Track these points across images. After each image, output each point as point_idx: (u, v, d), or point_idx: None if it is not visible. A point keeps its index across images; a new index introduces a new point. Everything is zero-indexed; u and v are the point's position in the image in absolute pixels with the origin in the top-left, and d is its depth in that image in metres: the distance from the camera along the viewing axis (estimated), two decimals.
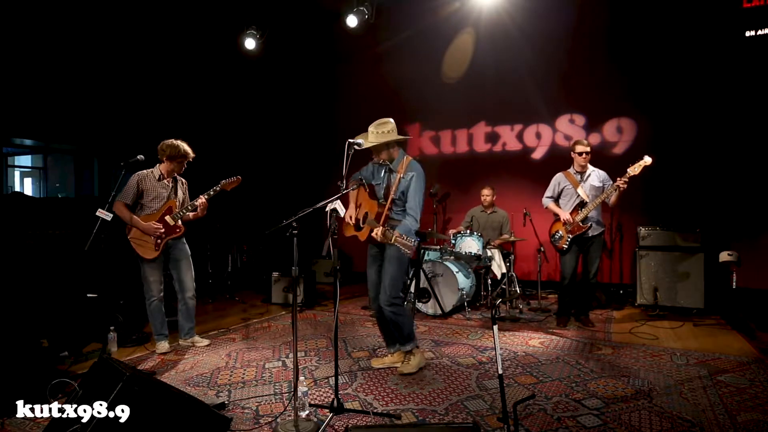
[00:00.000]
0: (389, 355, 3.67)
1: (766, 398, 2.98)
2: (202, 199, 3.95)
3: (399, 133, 3.42)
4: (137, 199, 3.89)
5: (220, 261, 6.84)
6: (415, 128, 7.54)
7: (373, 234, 3.22)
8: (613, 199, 4.46)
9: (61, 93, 6.12)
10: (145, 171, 3.94)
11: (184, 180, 4.19)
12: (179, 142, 3.95)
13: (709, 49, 5.67)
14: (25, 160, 10.27)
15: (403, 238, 3.03)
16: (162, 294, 4.02)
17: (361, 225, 3.50)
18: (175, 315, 4.24)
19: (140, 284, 4.01)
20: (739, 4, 5.46)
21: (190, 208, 3.98)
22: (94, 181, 7.64)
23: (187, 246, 4.13)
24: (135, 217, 3.87)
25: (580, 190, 4.63)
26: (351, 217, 3.54)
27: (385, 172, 3.52)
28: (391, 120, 3.39)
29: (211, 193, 3.97)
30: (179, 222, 3.99)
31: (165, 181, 3.99)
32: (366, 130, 3.43)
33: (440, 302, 5.23)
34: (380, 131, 3.33)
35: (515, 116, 6.89)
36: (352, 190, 3.42)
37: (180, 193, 4.11)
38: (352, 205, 3.60)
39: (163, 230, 3.92)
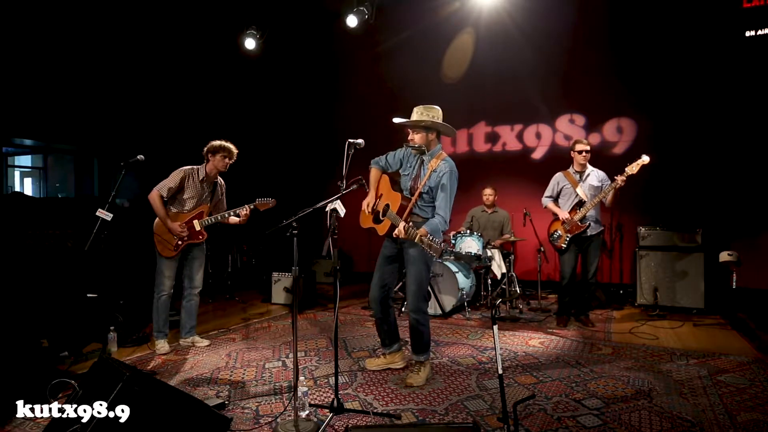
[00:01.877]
0: (383, 356, 3.58)
1: (766, 398, 2.98)
2: (246, 211, 3.96)
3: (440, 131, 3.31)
4: (175, 194, 3.90)
5: (220, 261, 6.83)
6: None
7: (395, 232, 3.02)
8: (609, 198, 4.46)
9: (61, 93, 6.12)
10: (191, 167, 3.96)
11: (223, 183, 4.21)
12: (220, 141, 3.98)
13: (709, 49, 5.67)
14: (25, 160, 10.26)
15: (429, 239, 2.79)
16: (172, 291, 4.03)
17: (381, 218, 3.33)
18: (177, 314, 4.24)
19: (141, 284, 4.01)
20: (739, 4, 5.46)
21: (232, 214, 3.99)
22: (94, 181, 7.64)
23: (205, 248, 4.16)
24: (164, 212, 3.85)
25: (578, 190, 4.64)
26: (368, 205, 3.35)
27: (417, 160, 3.30)
28: (440, 109, 3.26)
29: (252, 207, 3.97)
30: (203, 228, 4.01)
31: (206, 183, 4.01)
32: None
33: (440, 302, 5.23)
34: (426, 113, 3.18)
35: (515, 116, 6.89)
36: (354, 188, 3.30)
37: (215, 198, 4.12)
38: (372, 193, 3.41)
39: (187, 234, 3.93)
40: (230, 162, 4.02)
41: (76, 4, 5.92)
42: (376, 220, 3.37)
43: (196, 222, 3.96)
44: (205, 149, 3.98)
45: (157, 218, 3.90)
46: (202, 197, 4.02)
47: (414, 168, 3.31)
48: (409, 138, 3.28)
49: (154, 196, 3.84)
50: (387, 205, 3.30)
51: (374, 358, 3.68)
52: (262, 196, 4.01)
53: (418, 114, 3.22)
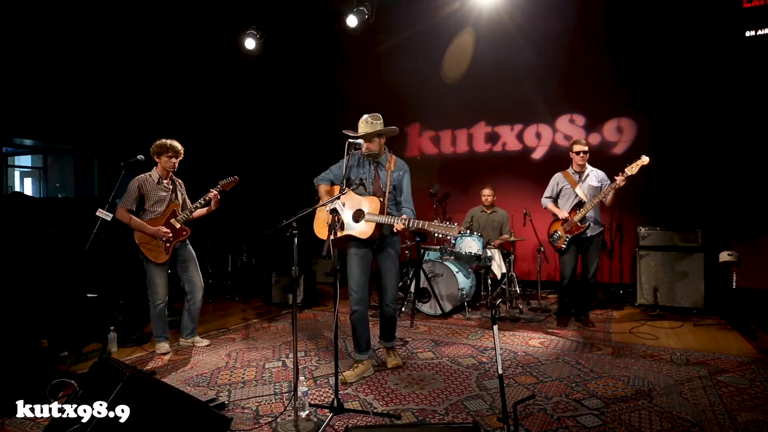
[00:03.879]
0: (360, 365, 3.43)
1: (766, 398, 2.98)
2: (214, 192, 3.95)
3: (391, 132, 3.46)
4: (139, 204, 3.87)
5: (220, 261, 6.83)
6: (415, 128, 7.54)
7: (398, 227, 3.14)
8: (609, 198, 4.47)
9: (61, 93, 6.12)
10: (143, 175, 3.91)
11: (180, 181, 4.18)
12: (165, 139, 3.93)
13: (709, 49, 5.67)
14: (25, 160, 10.27)
15: (438, 222, 3.05)
16: (167, 298, 4.01)
17: (356, 222, 3.33)
18: (176, 315, 4.24)
19: (140, 284, 4.00)
20: (739, 4, 5.46)
21: (202, 203, 3.97)
22: (94, 181, 7.64)
23: (192, 248, 4.14)
24: (140, 221, 3.84)
25: (578, 190, 4.64)
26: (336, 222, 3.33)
27: (370, 165, 3.47)
28: (380, 115, 3.42)
29: (218, 189, 3.97)
30: (183, 224, 4.00)
31: (164, 183, 3.97)
32: (347, 131, 3.40)
33: (440, 302, 5.23)
34: (373, 121, 3.36)
35: (515, 116, 6.89)
36: (353, 190, 3.34)
37: (179, 194, 4.10)
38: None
39: (170, 234, 3.92)
40: (177, 160, 3.97)
41: (76, 4, 5.92)
42: (349, 227, 3.34)
43: (173, 221, 3.95)
44: (151, 151, 3.90)
45: (136, 231, 3.86)
46: (168, 197, 3.99)
47: (369, 172, 3.47)
48: (366, 147, 3.37)
49: (122, 213, 3.80)
50: (360, 210, 3.33)
51: (350, 370, 3.42)
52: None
53: (369, 124, 3.36)
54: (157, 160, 3.92)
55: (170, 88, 6.86)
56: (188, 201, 4.18)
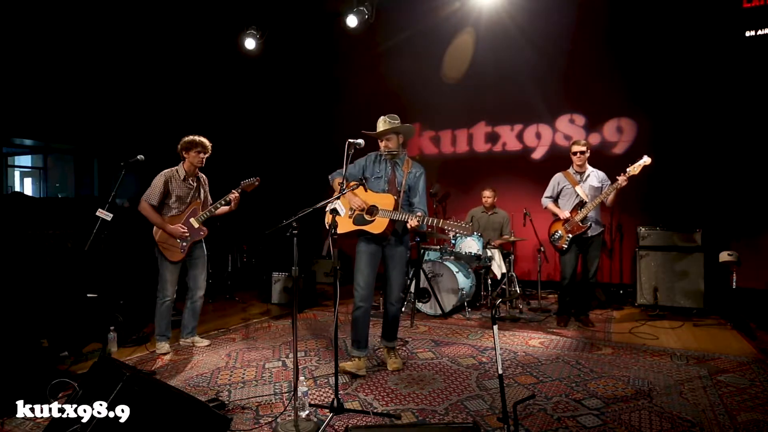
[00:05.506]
0: (356, 360, 3.49)
1: (766, 398, 2.98)
2: (235, 194, 3.96)
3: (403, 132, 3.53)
4: (162, 199, 3.87)
5: (220, 261, 6.83)
6: (415, 128, 7.52)
7: (412, 224, 3.20)
8: (610, 198, 4.47)
9: (61, 93, 6.12)
10: (169, 170, 3.91)
11: (205, 177, 4.17)
12: (193, 135, 3.94)
13: (709, 49, 5.67)
14: (25, 160, 10.26)
15: (453, 220, 3.14)
16: (175, 296, 4.01)
17: (369, 218, 3.39)
18: (179, 315, 4.24)
19: (141, 284, 4.00)
20: (739, 4, 5.46)
21: (223, 203, 3.98)
22: (94, 181, 7.64)
23: (205, 248, 4.14)
24: (160, 219, 3.84)
25: (579, 190, 4.64)
26: (363, 209, 3.44)
27: (387, 165, 3.52)
28: (397, 116, 3.51)
29: (239, 190, 3.98)
30: (201, 224, 4.00)
31: (189, 180, 3.98)
32: (365, 131, 3.46)
33: (440, 302, 5.23)
34: (391, 121, 3.45)
35: (515, 116, 6.89)
36: (353, 189, 3.36)
37: (202, 192, 4.10)
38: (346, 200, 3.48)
39: (188, 233, 3.92)
40: (205, 156, 3.97)
41: (76, 4, 5.92)
42: (361, 222, 3.41)
43: (192, 220, 3.95)
44: (179, 146, 3.92)
45: (155, 227, 3.87)
46: (191, 195, 3.99)
47: (386, 171, 3.51)
48: (384, 145, 3.47)
49: (145, 206, 3.80)
50: (374, 206, 3.39)
51: (348, 362, 3.53)
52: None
53: (387, 123, 3.45)
54: (185, 155, 3.92)
55: (170, 88, 6.85)
56: (209, 198, 4.18)
